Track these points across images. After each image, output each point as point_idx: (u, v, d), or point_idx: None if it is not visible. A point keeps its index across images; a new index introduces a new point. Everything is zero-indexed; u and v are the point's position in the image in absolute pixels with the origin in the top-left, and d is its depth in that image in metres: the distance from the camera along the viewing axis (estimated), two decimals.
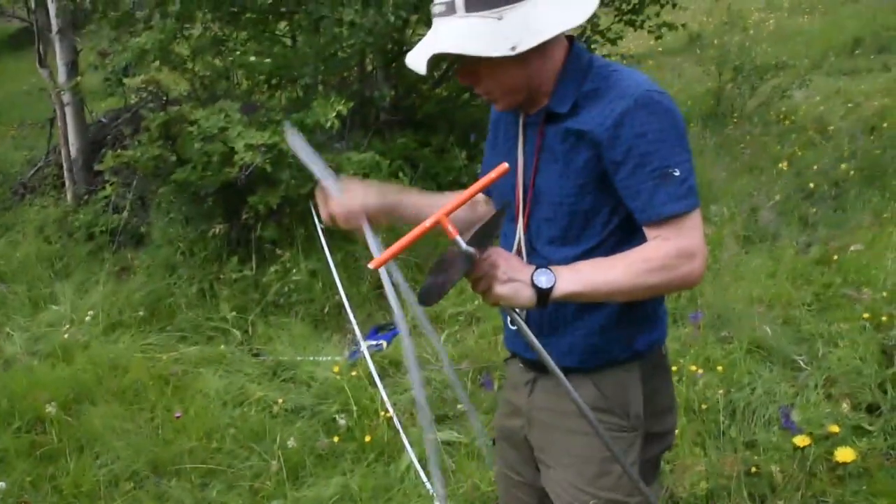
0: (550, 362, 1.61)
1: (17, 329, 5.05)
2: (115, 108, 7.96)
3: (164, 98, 5.95)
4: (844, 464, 3.10)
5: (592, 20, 7.32)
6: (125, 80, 6.28)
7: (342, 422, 3.90)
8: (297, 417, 4.06)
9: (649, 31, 8.59)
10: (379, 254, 1.59)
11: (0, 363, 4.64)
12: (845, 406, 3.68)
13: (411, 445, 3.54)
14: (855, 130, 8.00)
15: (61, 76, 7.24)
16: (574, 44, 1.75)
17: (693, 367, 3.85)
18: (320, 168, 1.89)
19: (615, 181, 1.66)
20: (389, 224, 1.98)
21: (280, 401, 4.12)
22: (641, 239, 1.67)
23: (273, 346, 4.80)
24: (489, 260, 1.56)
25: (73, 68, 7.23)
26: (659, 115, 1.62)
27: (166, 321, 5.15)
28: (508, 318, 1.78)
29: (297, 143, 1.92)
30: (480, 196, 2.03)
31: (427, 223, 1.53)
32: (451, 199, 1.59)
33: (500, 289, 1.55)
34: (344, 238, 5.60)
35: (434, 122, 7.13)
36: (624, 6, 8.37)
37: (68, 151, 7.31)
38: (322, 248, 4.65)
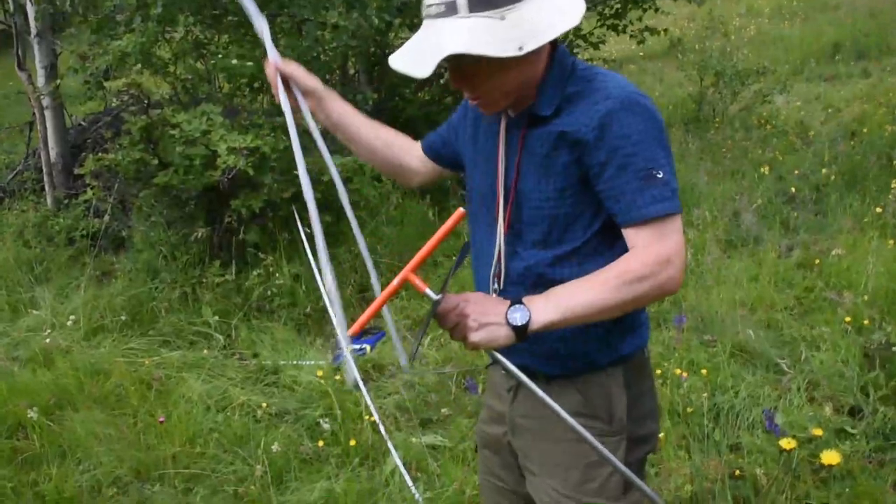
0: (530, 384, 1.62)
1: None
2: (96, 112, 7.95)
3: (146, 101, 5.93)
4: (828, 466, 3.10)
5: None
6: (106, 84, 6.26)
7: (326, 426, 3.88)
8: (281, 422, 4.04)
9: (631, 36, 8.67)
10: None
11: None
12: (828, 409, 3.72)
13: (396, 449, 3.54)
14: (835, 135, 8.10)
15: (40, 79, 7.22)
16: (558, 47, 1.75)
17: (677, 371, 3.87)
18: (265, 30, 1.89)
19: (598, 183, 1.65)
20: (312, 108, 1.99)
21: (264, 405, 4.10)
22: (622, 243, 1.67)
23: (256, 350, 4.78)
24: (457, 311, 1.57)
25: (52, 71, 7.21)
26: (643, 118, 1.62)
27: (148, 325, 5.12)
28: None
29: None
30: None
31: (395, 283, 1.59)
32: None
33: (475, 336, 1.56)
34: (327, 242, 5.59)
35: (417, 125, 7.13)
36: (607, 11, 8.43)
37: (48, 155, 7.28)
38: (305, 252, 4.65)
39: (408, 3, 6.39)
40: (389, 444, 3.58)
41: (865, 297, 4.60)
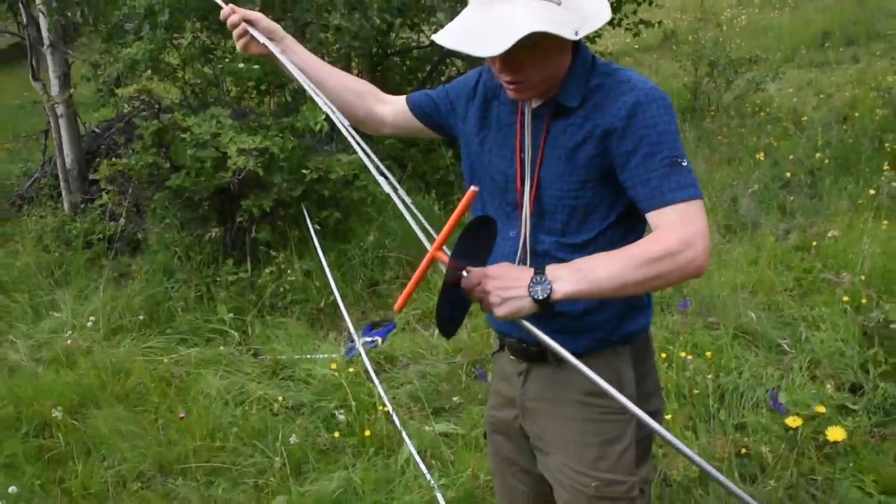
0: (565, 353, 1.55)
1: (21, 337, 5.06)
2: (108, 119, 8.01)
3: (157, 106, 5.99)
4: (833, 443, 3.15)
5: None
6: (117, 91, 6.33)
7: (342, 417, 3.94)
8: (298, 414, 4.10)
9: (627, 29, 8.69)
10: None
11: (5, 370, 4.65)
12: (829, 387, 3.77)
13: (410, 438, 3.59)
14: (827, 120, 8.12)
15: (54, 89, 7.30)
16: (579, 42, 1.77)
17: (683, 354, 3.92)
18: None
19: (623, 171, 1.69)
20: (268, 53, 2.09)
21: (280, 399, 4.16)
22: (638, 234, 1.73)
23: (271, 345, 4.83)
24: (480, 287, 1.58)
25: (65, 81, 7.30)
26: (666, 111, 1.69)
27: (166, 324, 5.18)
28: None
29: None
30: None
31: (424, 263, 1.60)
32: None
33: (499, 311, 1.57)
34: (337, 238, 5.69)
35: None
36: None
37: (63, 162, 7.38)
38: (315, 248, 4.73)
39: (408, 4, 6.48)
40: (403, 434, 3.63)
41: (862, 277, 4.65)
